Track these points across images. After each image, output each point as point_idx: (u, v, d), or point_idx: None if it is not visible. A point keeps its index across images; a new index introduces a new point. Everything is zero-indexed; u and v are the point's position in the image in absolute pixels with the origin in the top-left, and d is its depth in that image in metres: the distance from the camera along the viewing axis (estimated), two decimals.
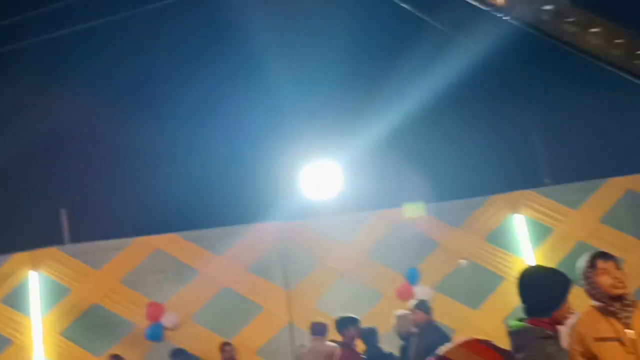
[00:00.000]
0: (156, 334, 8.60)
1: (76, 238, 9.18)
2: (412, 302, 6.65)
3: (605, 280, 3.30)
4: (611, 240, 9.17)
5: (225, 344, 8.19)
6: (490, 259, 9.18)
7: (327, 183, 9.36)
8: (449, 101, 8.94)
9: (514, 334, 3.24)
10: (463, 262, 9.29)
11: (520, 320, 3.29)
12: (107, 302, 8.77)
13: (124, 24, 8.27)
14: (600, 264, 3.34)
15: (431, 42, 7.10)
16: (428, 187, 9.44)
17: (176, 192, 8.95)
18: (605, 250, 3.60)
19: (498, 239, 9.39)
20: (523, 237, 9.41)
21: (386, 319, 7.22)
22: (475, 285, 9.05)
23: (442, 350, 1.82)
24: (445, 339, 5.80)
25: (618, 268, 3.33)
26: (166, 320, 8.65)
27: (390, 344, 7.16)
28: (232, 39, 8.56)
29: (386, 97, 8.57)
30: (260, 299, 8.94)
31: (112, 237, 9.09)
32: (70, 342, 8.56)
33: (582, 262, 3.43)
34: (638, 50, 2.81)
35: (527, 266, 3.54)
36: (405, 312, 7.06)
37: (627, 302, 3.30)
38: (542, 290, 3.23)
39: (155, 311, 8.67)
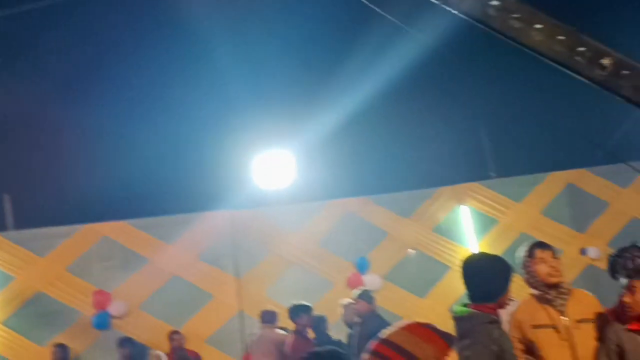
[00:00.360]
0: (103, 322, 8.45)
1: (20, 224, 8.91)
2: (356, 292, 6.77)
3: (542, 269, 3.44)
4: (551, 232, 9.56)
5: (174, 332, 8.14)
6: (437, 249, 9.42)
7: (279, 172, 9.38)
8: (400, 93, 9.08)
9: (459, 319, 3.25)
10: (411, 251, 9.49)
11: (465, 306, 3.31)
12: (52, 290, 8.55)
13: (68, 6, 8.04)
14: (538, 253, 3.48)
15: (382, 33, 7.18)
16: (378, 178, 9.60)
17: (126, 179, 8.76)
18: (545, 242, 3.75)
19: (445, 229, 9.63)
20: (469, 228, 9.69)
21: (336, 308, 7.30)
22: (423, 274, 9.27)
23: (384, 333, 1.85)
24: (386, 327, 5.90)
25: (555, 257, 3.49)
26: (113, 308, 8.51)
27: (340, 332, 7.27)
28: (182, 25, 8.42)
29: (338, 87, 8.62)
30: (211, 288, 8.91)
31: (58, 224, 8.87)
32: (13, 331, 8.32)
33: (521, 251, 3.57)
34: (578, 47, 2.94)
35: (470, 253, 3.63)
36: (350, 301, 7.20)
37: (562, 290, 3.46)
38: (487, 276, 3.26)
39: (102, 299, 8.51)
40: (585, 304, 3.48)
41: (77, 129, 8.92)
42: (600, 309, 3.51)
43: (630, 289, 3.23)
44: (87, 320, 8.47)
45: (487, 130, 10.62)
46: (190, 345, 8.28)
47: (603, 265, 9.21)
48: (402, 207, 9.64)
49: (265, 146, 9.30)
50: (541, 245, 3.54)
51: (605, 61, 2.93)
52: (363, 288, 7.12)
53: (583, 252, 9.58)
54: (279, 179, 9.46)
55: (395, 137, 9.68)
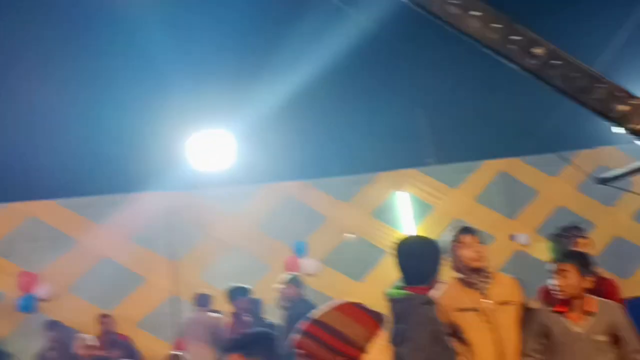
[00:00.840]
0: (28, 305, 8.12)
1: None
2: (285, 277, 6.84)
3: (466, 254, 3.51)
4: (484, 218, 9.83)
5: (104, 315, 7.90)
6: (375, 234, 9.52)
7: (218, 153, 9.19)
8: (341, 76, 9.05)
9: (395, 302, 3.30)
10: (349, 236, 9.56)
11: (400, 288, 3.34)
12: None
13: None
14: (464, 238, 3.55)
15: (322, 13, 7.10)
16: (318, 162, 9.58)
17: (55, 158, 8.38)
18: (478, 228, 3.83)
19: (383, 214, 9.75)
20: (406, 214, 9.84)
21: (273, 291, 7.27)
22: (360, 258, 9.36)
23: (315, 314, 1.83)
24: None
25: (480, 242, 3.56)
26: (40, 291, 8.18)
27: (276, 315, 7.25)
28: (113, 2, 8.06)
29: (278, 68, 8.49)
30: (143, 270, 8.70)
31: None
32: None
33: (447, 236, 3.63)
34: (512, 36, 2.97)
35: (403, 236, 3.65)
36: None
37: (485, 274, 3.55)
38: (421, 258, 3.30)
39: (27, 281, 8.17)
40: (506, 287, 3.58)
41: (4, 105, 8.45)
42: (520, 291, 3.62)
43: (560, 272, 3.31)
44: (12, 302, 8.11)
45: (425, 117, 10.77)
46: (121, 329, 8.06)
47: (531, 250, 9.61)
48: (341, 191, 9.68)
49: (202, 126, 9.09)
50: (466, 230, 3.60)
51: (538, 51, 2.98)
52: (293, 273, 7.19)
53: (513, 238, 9.91)
54: (217, 160, 9.28)
55: (336, 121, 9.67)
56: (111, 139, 8.38)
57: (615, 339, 3.22)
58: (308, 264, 9.12)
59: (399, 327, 3.12)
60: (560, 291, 3.28)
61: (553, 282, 3.33)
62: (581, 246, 3.79)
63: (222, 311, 7.11)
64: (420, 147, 10.65)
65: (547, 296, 3.57)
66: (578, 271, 3.31)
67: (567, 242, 3.83)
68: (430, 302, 3.23)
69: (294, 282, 6.61)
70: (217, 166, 9.25)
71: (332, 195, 9.64)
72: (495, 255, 9.34)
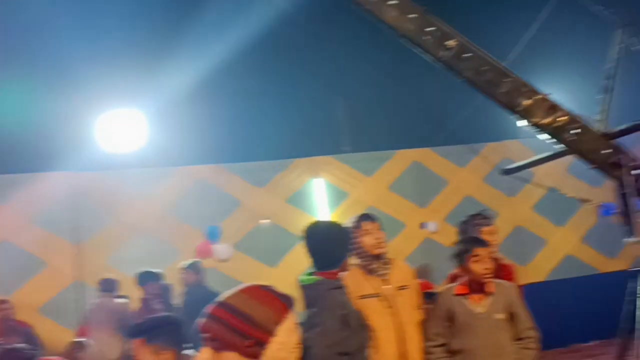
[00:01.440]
0: None
1: None
2: (185, 263, 6.79)
3: (367, 240, 3.58)
4: (396, 206, 10.09)
5: (2, 301, 7.43)
6: (290, 220, 9.52)
7: (128, 133, 8.83)
8: (258, 59, 8.95)
9: (307, 287, 3.32)
10: (263, 221, 9.52)
11: (311, 274, 3.38)
12: None
13: None
14: (365, 225, 3.61)
15: None
16: (233, 146, 9.45)
17: None
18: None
19: (298, 201, 9.77)
20: (321, 200, 9.91)
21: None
22: (274, 244, 9.34)
23: (222, 296, 1.78)
24: (212, 299, 6.03)
25: (380, 229, 3.64)
26: None
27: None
28: None
29: (192, 47, 8.24)
30: (45, 254, 8.25)
31: None
32: None
33: (349, 223, 3.69)
34: (427, 27, 3.02)
35: (311, 222, 3.65)
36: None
37: (385, 260, 3.64)
38: (330, 243, 3.33)
39: None
40: (404, 272, 3.70)
41: None
42: (415, 276, 3.76)
43: (476, 257, 3.43)
44: None
45: (343, 105, 10.88)
46: (22, 315, 7.61)
47: (439, 238, 9.95)
48: (256, 176, 9.60)
49: (113, 105, 8.70)
50: (367, 217, 3.67)
51: (451, 43, 3.05)
52: (193, 259, 7.13)
53: (423, 225, 10.23)
54: (128, 140, 8.92)
55: (252, 105, 9.56)
56: (15, 118, 7.83)
57: (511, 317, 3.43)
58: (220, 249, 9.01)
59: (309, 312, 3.15)
60: (483, 274, 3.41)
61: (468, 266, 3.44)
62: (486, 233, 3.96)
63: (129, 296, 6.89)
64: (337, 134, 10.76)
65: (455, 281, 3.70)
66: (489, 255, 3.47)
67: (472, 228, 4.00)
68: (340, 287, 3.28)
69: (193, 268, 6.67)
70: (127, 147, 8.90)
71: (247, 180, 9.54)
72: (406, 242, 9.66)
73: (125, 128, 8.81)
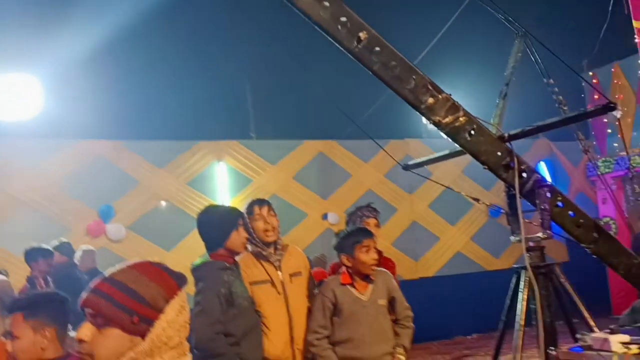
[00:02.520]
0: None
1: None
2: (53, 243, 6.57)
3: (259, 226, 3.57)
4: (299, 196, 10.14)
5: None
6: (190, 203, 9.30)
7: (20, 101, 8.22)
8: (167, 37, 8.65)
9: (195, 270, 3.37)
10: (162, 203, 9.24)
11: (204, 257, 3.43)
12: None
13: None
14: (257, 210, 3.59)
15: None
16: (134, 123, 9.08)
17: None
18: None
19: (200, 184, 9.56)
20: (223, 185, 9.77)
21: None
22: (171, 227, 9.07)
23: (110, 271, 1.68)
24: (77, 282, 6.06)
25: (272, 215, 3.64)
26: None
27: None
28: None
29: (95, 13, 7.80)
30: None
31: None
32: None
33: (244, 207, 3.67)
34: (341, 17, 3.01)
35: (205, 206, 3.71)
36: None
37: (279, 246, 3.64)
38: (214, 225, 3.39)
39: None
40: (296, 258, 3.72)
41: None
42: (307, 263, 3.80)
43: (365, 247, 3.48)
44: None
45: (252, 91, 10.76)
46: None
47: (338, 229, 10.07)
48: (157, 156, 9.29)
49: (5, 68, 8.07)
50: (260, 202, 3.65)
51: (362, 35, 3.06)
52: (63, 240, 6.87)
53: (324, 217, 10.36)
54: (20, 108, 8.31)
55: (158, 82, 9.24)
56: None
57: (390, 301, 3.56)
58: (113, 229, 8.65)
59: (195, 291, 3.25)
60: (371, 265, 3.47)
61: (361, 257, 3.48)
62: (370, 225, 4.06)
63: (6, 272, 6.47)
64: (244, 120, 10.63)
65: (336, 271, 3.75)
66: (375, 245, 3.56)
67: (358, 219, 4.09)
68: (226, 268, 3.31)
69: (60, 249, 6.51)
70: (20, 115, 8.31)
71: (147, 159, 9.20)
72: (306, 232, 9.73)
73: (18, 94, 8.20)
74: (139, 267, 1.67)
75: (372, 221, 4.11)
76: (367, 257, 3.45)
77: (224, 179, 9.78)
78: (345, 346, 3.43)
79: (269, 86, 10.44)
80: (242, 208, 3.67)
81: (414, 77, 3.12)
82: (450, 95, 3.21)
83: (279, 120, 10.75)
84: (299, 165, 10.42)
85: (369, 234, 3.58)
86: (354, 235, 3.54)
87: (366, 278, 3.52)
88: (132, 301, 1.58)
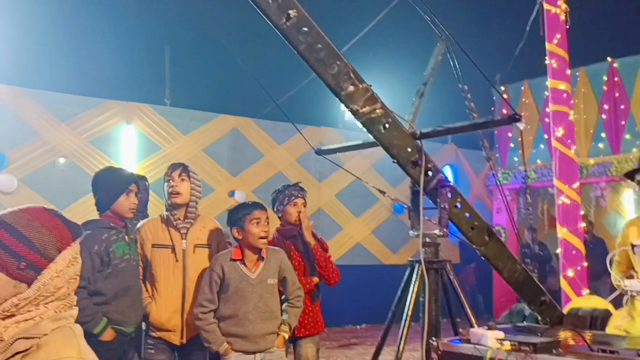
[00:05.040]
0: None
1: None
2: None
3: (167, 188, 3.55)
4: (208, 170, 9.96)
5: None
6: (91, 162, 8.88)
7: None
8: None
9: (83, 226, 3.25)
10: (61, 159, 8.78)
11: None
12: None
13: None
14: (169, 172, 3.58)
15: None
16: (42, 72, 8.53)
17: None
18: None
19: (105, 144, 9.15)
20: (130, 149, 9.41)
21: None
22: (68, 185, 8.63)
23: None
24: None
25: (182, 179, 3.57)
26: None
27: None
28: None
29: None
30: None
31: None
32: None
33: (147, 174, 3.61)
34: None
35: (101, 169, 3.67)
36: None
37: (190, 215, 3.58)
38: (104, 186, 3.39)
39: None
40: (208, 230, 3.67)
41: None
42: (222, 237, 3.75)
43: (248, 219, 3.45)
44: None
45: (171, 56, 10.41)
46: None
47: None
48: (61, 109, 8.78)
49: None
50: (174, 166, 3.62)
51: (292, 13, 3.02)
52: None
53: (231, 194, 10.25)
54: None
55: (69, 34, 8.72)
56: None
57: (281, 280, 3.57)
58: (4, 179, 8.11)
59: None
60: (261, 237, 3.44)
61: (250, 229, 3.45)
62: (298, 205, 4.04)
63: None
64: (160, 85, 10.29)
65: (236, 249, 3.69)
66: (267, 219, 3.53)
67: (286, 198, 4.03)
68: (110, 228, 3.28)
69: None
70: None
71: (50, 111, 8.68)
72: (211, 207, 9.57)
73: None
74: (32, 212, 1.59)
75: (300, 201, 4.07)
76: (257, 229, 3.43)
77: (132, 142, 9.43)
78: (230, 322, 3.41)
79: (190, 54, 10.16)
80: (158, 170, 3.61)
81: (338, 63, 3.12)
82: (371, 86, 3.24)
83: (197, 90, 10.49)
84: (212, 139, 10.24)
85: (260, 206, 3.55)
86: (244, 208, 3.50)
87: (259, 256, 3.49)
88: (20, 246, 1.51)
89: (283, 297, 3.62)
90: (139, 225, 3.62)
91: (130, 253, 3.38)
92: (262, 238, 3.44)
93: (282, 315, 3.56)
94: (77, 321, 1.61)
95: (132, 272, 3.38)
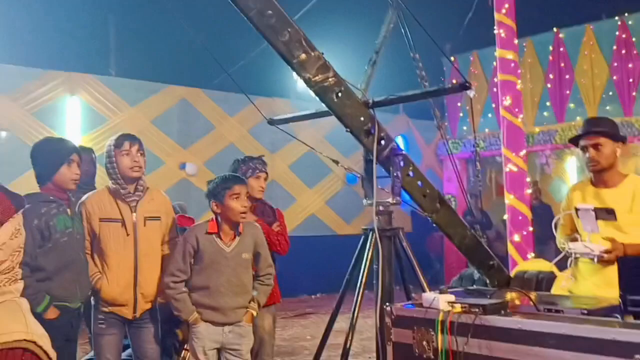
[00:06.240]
0: None
1: None
2: None
3: (126, 162, 3.42)
4: (157, 142, 9.76)
5: None
6: (34, 136, 8.54)
7: None
8: None
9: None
10: (2, 132, 8.43)
11: None
12: None
13: None
14: (126, 145, 3.43)
15: None
16: None
17: None
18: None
19: (48, 116, 8.82)
20: (75, 121, 9.11)
21: None
22: (11, 159, 8.28)
23: None
24: None
25: (141, 154, 3.48)
26: None
27: None
28: None
29: None
30: None
31: None
32: None
33: (110, 140, 3.48)
34: None
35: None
36: None
37: (140, 187, 3.50)
38: (44, 157, 3.26)
39: None
40: (157, 202, 3.59)
41: None
42: (170, 209, 3.67)
43: (227, 194, 3.40)
44: None
45: (116, 25, 10.05)
46: None
47: (196, 181, 9.91)
48: (1, 80, 8.40)
49: None
50: (130, 138, 3.49)
51: None
52: None
53: (182, 166, 10.09)
54: None
55: (12, 2, 8.29)
56: None
57: (255, 256, 3.55)
58: None
59: None
60: (240, 212, 3.41)
61: (230, 203, 3.40)
62: (261, 178, 3.99)
63: None
64: (104, 54, 9.94)
65: (212, 223, 3.63)
66: (247, 194, 3.50)
67: (250, 170, 3.96)
68: (51, 201, 3.20)
69: None
70: None
71: None
72: (161, 180, 9.41)
73: None
74: None
75: (263, 175, 4.02)
76: (237, 204, 3.39)
77: (76, 114, 9.14)
78: (201, 293, 3.39)
79: (135, 22, 9.81)
80: (104, 143, 3.48)
81: (289, 29, 3.07)
82: (323, 54, 3.20)
83: (143, 59, 10.18)
84: (160, 110, 10.01)
85: (241, 181, 3.51)
86: (224, 182, 3.45)
87: (235, 230, 3.45)
88: None
89: (254, 273, 3.59)
90: (83, 198, 3.49)
91: (73, 226, 3.28)
92: (241, 213, 3.41)
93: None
94: None
95: (74, 246, 3.28)
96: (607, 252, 3.24)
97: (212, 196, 3.45)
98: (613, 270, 2.69)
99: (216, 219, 3.46)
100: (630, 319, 2.40)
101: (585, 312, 2.47)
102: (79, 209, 3.45)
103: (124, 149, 3.42)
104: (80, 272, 3.31)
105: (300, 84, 9.18)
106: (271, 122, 4.21)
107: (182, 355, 4.08)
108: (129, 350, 3.63)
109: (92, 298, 3.47)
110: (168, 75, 10.16)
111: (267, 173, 4.08)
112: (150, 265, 3.47)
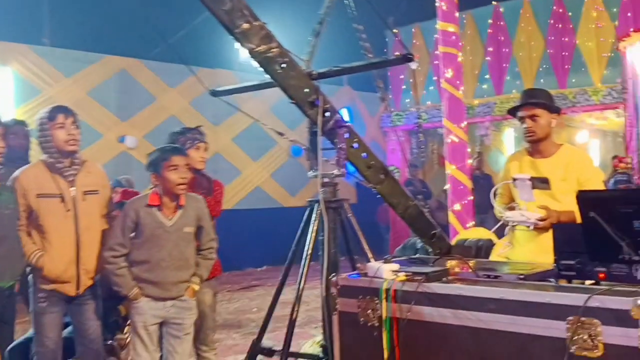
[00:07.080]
0: None
1: None
2: None
3: (61, 135, 3.29)
4: (95, 114, 9.45)
5: None
6: None
7: None
8: None
9: None
10: None
11: None
12: None
13: None
14: (61, 118, 3.30)
15: None
16: None
17: None
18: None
19: None
20: (7, 93, 8.70)
21: None
22: None
23: None
24: None
25: (75, 125, 3.36)
26: None
27: None
28: None
29: None
30: None
31: None
32: None
33: (42, 112, 3.34)
34: None
35: None
36: None
37: (76, 160, 3.39)
38: None
39: None
40: (94, 175, 3.50)
41: None
42: (107, 182, 3.59)
43: (165, 165, 3.33)
44: None
45: None
46: None
47: (136, 153, 9.67)
48: None
49: None
50: (64, 110, 3.36)
51: None
52: None
53: (121, 139, 9.82)
54: None
55: None
56: None
57: (198, 229, 3.51)
58: None
59: None
60: (179, 184, 3.34)
61: (168, 175, 3.33)
62: (200, 149, 3.89)
63: None
64: (37, 23, 9.47)
65: (153, 195, 3.54)
66: (187, 166, 3.43)
67: (189, 142, 3.86)
68: None
69: None
70: None
71: None
72: (100, 153, 9.14)
73: None
74: None
75: (202, 145, 3.92)
76: (175, 175, 3.32)
77: (9, 86, 8.73)
78: (142, 268, 3.33)
79: None
80: (37, 115, 3.33)
81: None
82: (265, 24, 3.15)
83: (79, 29, 9.75)
84: (97, 81, 9.67)
85: (179, 151, 3.44)
86: (162, 153, 3.38)
87: (177, 203, 3.39)
88: None
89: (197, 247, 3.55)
90: (16, 173, 3.34)
91: (2, 201, 3.14)
92: (179, 185, 3.33)
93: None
94: None
95: (4, 221, 3.15)
96: (542, 219, 3.37)
97: (151, 168, 3.38)
98: (548, 237, 2.80)
99: (157, 192, 3.40)
100: (564, 283, 2.52)
101: (522, 277, 2.57)
102: (12, 184, 3.31)
103: (57, 121, 3.29)
104: (11, 249, 3.16)
105: (243, 55, 9.05)
106: (214, 93, 4.13)
107: (124, 331, 4.03)
108: (70, 328, 3.55)
109: (30, 276, 3.36)
110: (106, 46, 9.79)
111: (206, 143, 3.98)
112: (91, 241, 3.39)
